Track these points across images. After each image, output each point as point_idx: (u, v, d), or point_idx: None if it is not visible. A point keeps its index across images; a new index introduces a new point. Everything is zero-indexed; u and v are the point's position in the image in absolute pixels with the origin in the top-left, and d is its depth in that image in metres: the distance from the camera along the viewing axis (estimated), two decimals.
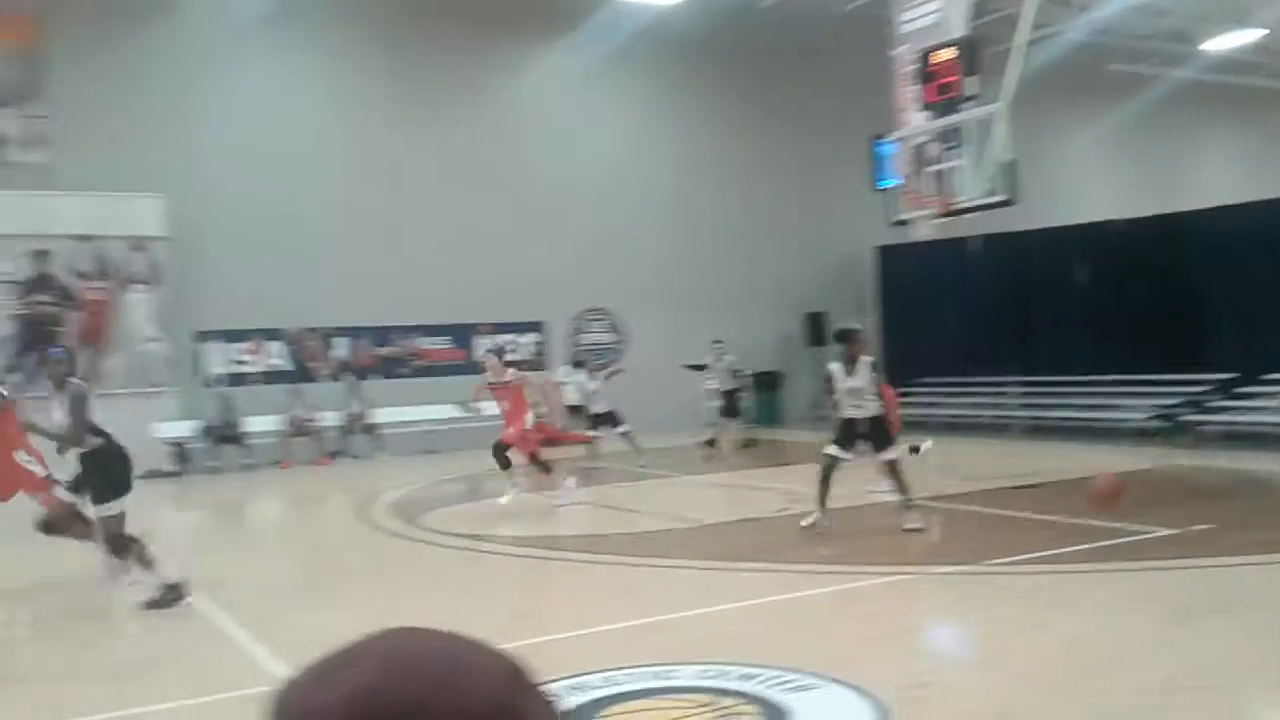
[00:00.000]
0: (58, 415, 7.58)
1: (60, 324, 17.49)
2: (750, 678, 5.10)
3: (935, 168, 15.33)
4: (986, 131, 14.66)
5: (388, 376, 19.90)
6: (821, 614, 6.87)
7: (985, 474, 12.72)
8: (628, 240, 21.72)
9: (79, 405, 7.47)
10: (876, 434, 9.33)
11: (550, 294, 20.94)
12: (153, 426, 17.37)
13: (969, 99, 14.63)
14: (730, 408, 17.47)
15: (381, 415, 19.02)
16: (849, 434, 9.38)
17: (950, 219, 15.67)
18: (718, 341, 17.91)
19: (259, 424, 18.14)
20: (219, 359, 18.70)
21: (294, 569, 9.53)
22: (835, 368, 9.51)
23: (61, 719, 5.27)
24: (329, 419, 18.71)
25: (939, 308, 20.65)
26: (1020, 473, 12.48)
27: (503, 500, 11.47)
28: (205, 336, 18.49)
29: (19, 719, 5.36)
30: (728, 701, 4.82)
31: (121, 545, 7.58)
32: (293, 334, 19.31)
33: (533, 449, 11.99)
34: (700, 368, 17.75)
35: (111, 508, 7.48)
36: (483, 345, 20.78)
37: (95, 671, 6.27)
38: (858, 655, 5.67)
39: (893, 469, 9.33)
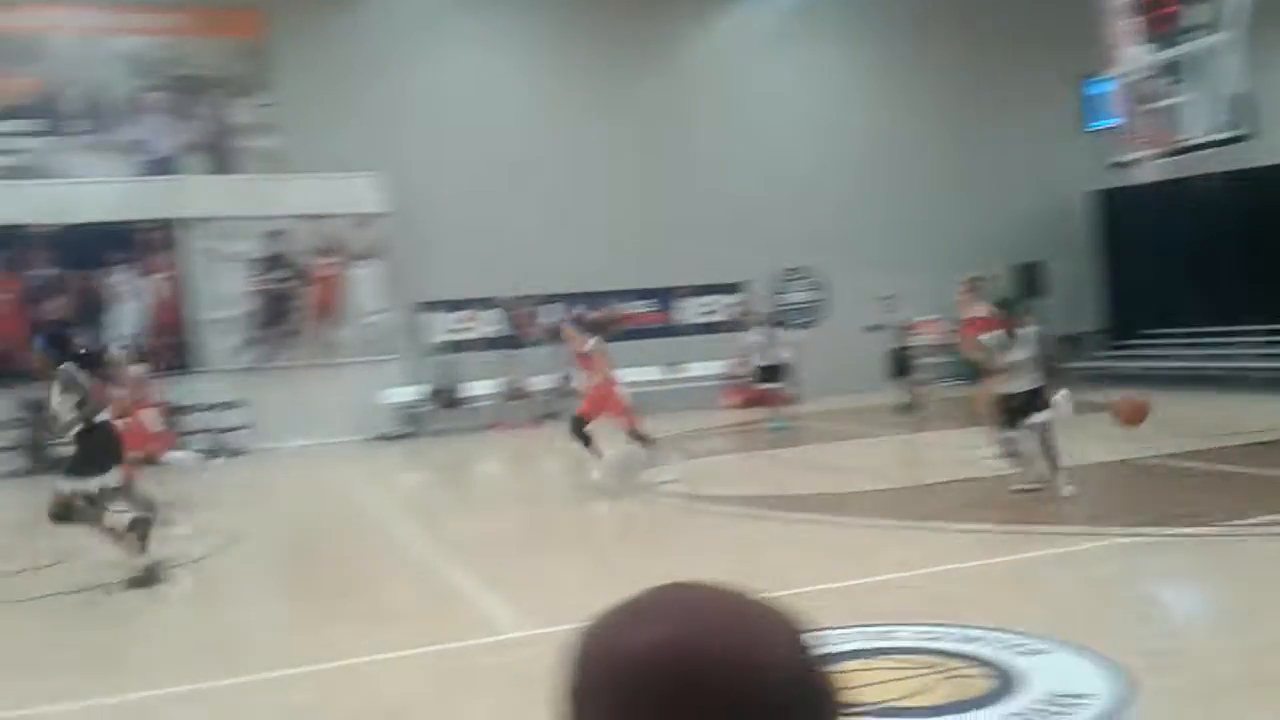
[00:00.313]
0: (55, 400, 7.81)
1: (294, 299, 18.76)
2: (975, 640, 5.00)
3: (1157, 104, 14.42)
4: (1214, 62, 13.66)
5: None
6: (1046, 577, 6.67)
7: (1220, 430, 11.98)
8: (828, 198, 21.40)
9: (73, 386, 7.68)
10: (1034, 404, 8.78)
11: (751, 254, 20.92)
12: (382, 393, 18.50)
13: (1193, 29, 13.68)
14: (900, 366, 16.86)
15: None
16: (1009, 411, 8.89)
17: (1175, 158, 14.73)
18: (887, 297, 17.36)
19: (478, 389, 19.02)
20: (440, 327, 19.65)
21: (517, 525, 9.93)
22: (994, 339, 9.05)
23: (318, 661, 5.71)
24: (541, 383, 19.37)
25: (1166, 253, 19.43)
26: (1259, 428, 11.68)
27: (594, 476, 11.07)
28: (426, 306, 19.44)
29: (277, 659, 5.84)
30: (954, 664, 4.74)
31: (65, 517, 7.83)
32: (506, 302, 20.04)
33: (596, 413, 11.30)
34: (880, 328, 17.26)
35: (86, 485, 7.68)
36: (686, 307, 21.03)
37: (342, 617, 6.76)
38: (1090, 620, 5.48)
39: (1044, 435, 8.75)
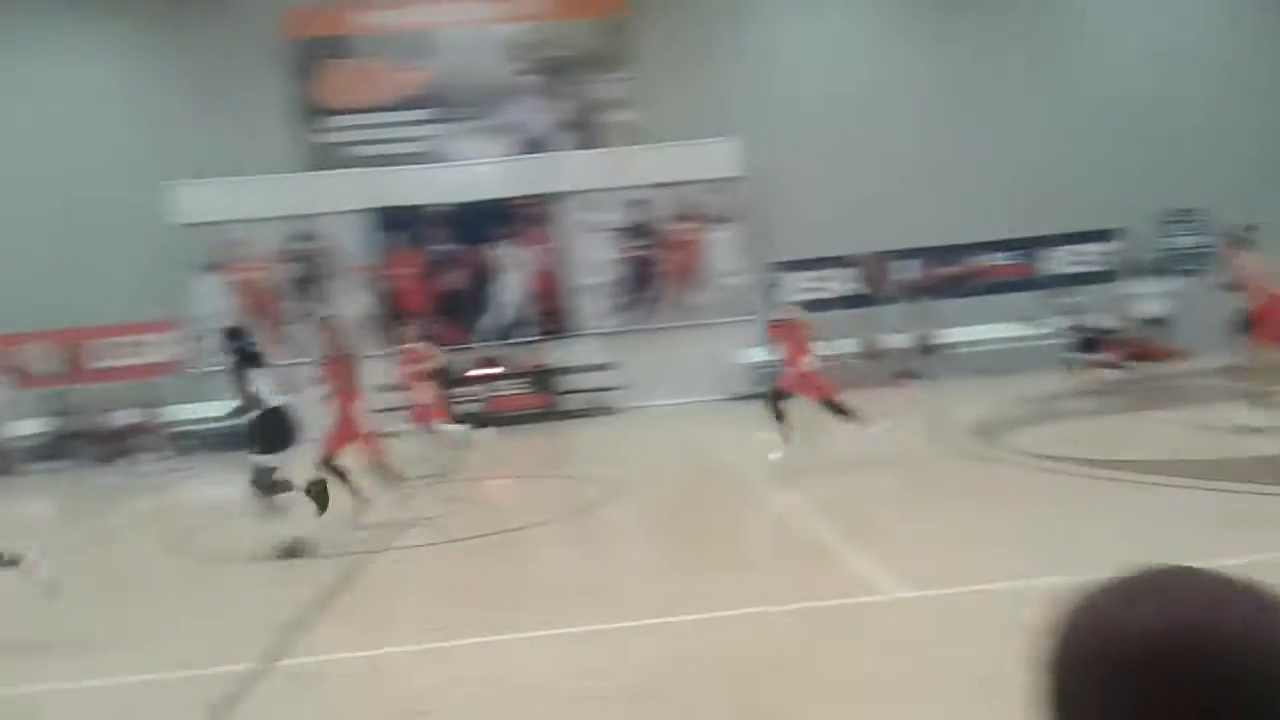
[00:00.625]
0: (243, 387, 8.79)
1: (656, 265, 19.63)
2: None
3: None
4: None
5: (953, 296, 19.81)
6: None
7: None
8: (1216, 133, 19.43)
9: (245, 377, 8.72)
10: None
11: (1125, 198, 19.43)
12: (740, 353, 19.00)
13: None
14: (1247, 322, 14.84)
15: (949, 335, 19.06)
16: None
17: None
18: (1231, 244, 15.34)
19: (833, 347, 19.02)
20: (794, 287, 19.81)
21: (879, 484, 9.92)
22: None
23: (697, 610, 6.04)
24: (898, 341, 19.12)
25: None
26: None
27: (773, 456, 10.52)
28: (781, 266, 19.68)
29: (660, 605, 6.22)
30: None
31: (266, 489, 8.72)
32: (862, 259, 19.89)
33: (821, 393, 10.62)
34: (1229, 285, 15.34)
35: (269, 460, 8.69)
36: (1054, 257, 19.94)
37: (717, 569, 7.09)
38: None
39: None
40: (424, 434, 12.48)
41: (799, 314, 10.93)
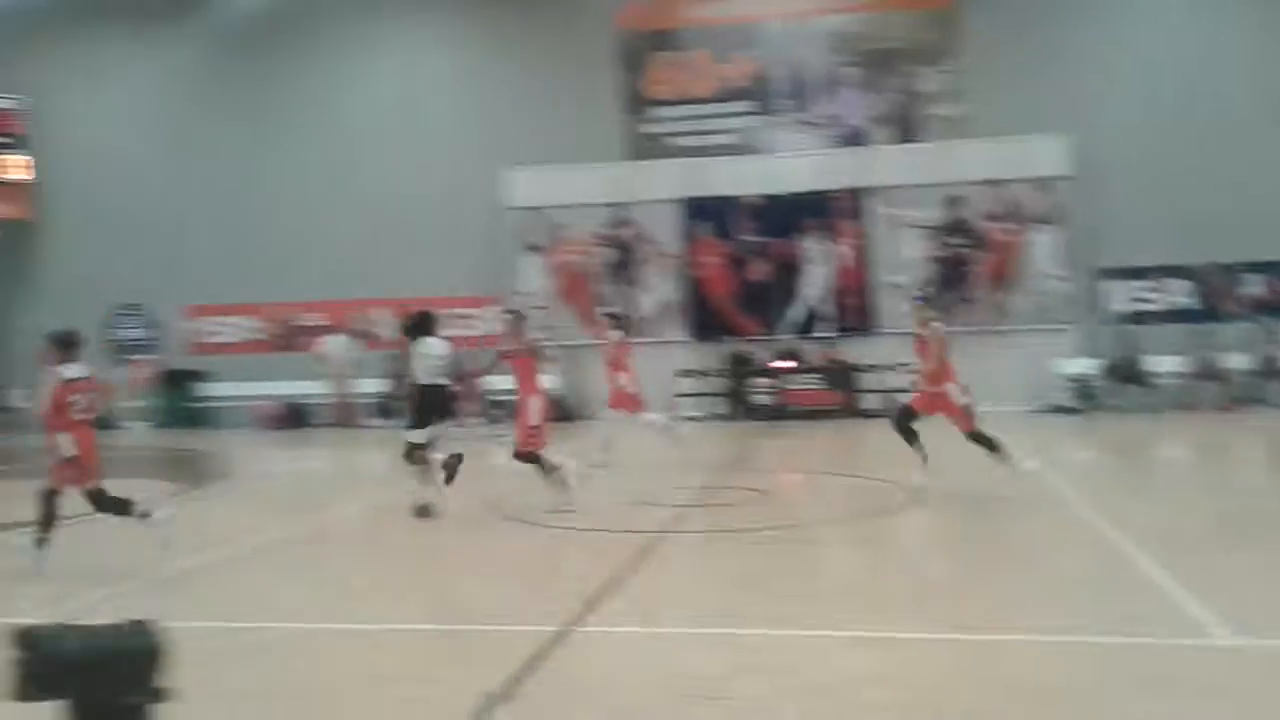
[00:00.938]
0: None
1: (970, 265, 18.90)
2: None
3: None
4: None
5: None
6: None
7: None
8: None
9: (407, 354, 9.71)
10: None
11: None
12: (1054, 363, 18.00)
13: None
14: None
15: None
16: None
17: None
18: None
19: (1162, 364, 17.67)
20: (1120, 296, 18.55)
21: (1208, 517, 9.12)
22: None
23: (989, 631, 5.80)
24: (1239, 362, 17.47)
25: None
26: None
27: (914, 480, 9.89)
28: (1106, 274, 18.46)
29: (953, 618, 6.02)
30: None
31: (410, 460, 9.68)
32: (1200, 270, 18.31)
33: (966, 423, 9.90)
34: None
35: (416, 435, 9.61)
36: None
37: (1020, 589, 6.78)
38: None
39: None
40: (627, 422, 12.70)
41: (937, 328, 10.14)
